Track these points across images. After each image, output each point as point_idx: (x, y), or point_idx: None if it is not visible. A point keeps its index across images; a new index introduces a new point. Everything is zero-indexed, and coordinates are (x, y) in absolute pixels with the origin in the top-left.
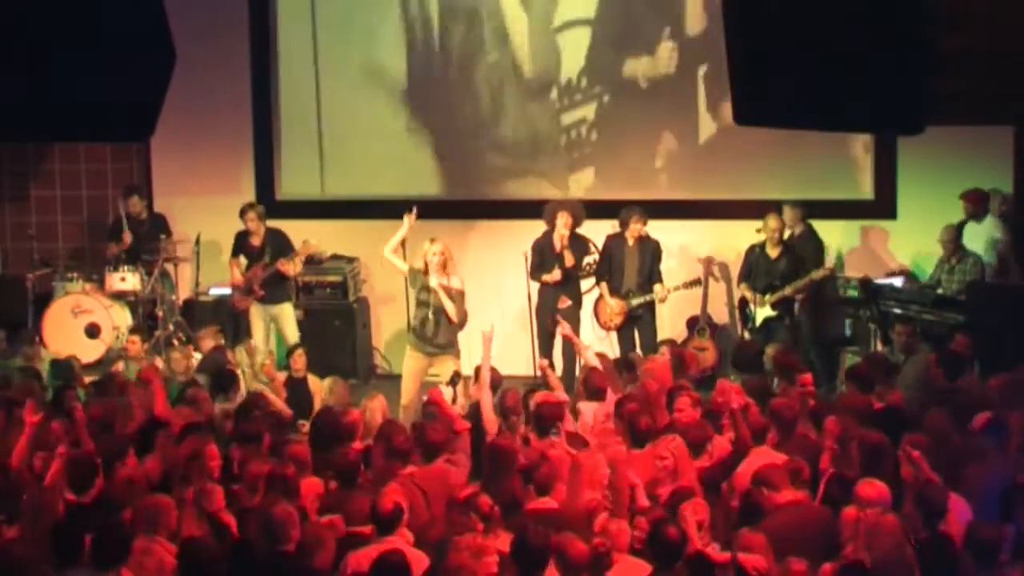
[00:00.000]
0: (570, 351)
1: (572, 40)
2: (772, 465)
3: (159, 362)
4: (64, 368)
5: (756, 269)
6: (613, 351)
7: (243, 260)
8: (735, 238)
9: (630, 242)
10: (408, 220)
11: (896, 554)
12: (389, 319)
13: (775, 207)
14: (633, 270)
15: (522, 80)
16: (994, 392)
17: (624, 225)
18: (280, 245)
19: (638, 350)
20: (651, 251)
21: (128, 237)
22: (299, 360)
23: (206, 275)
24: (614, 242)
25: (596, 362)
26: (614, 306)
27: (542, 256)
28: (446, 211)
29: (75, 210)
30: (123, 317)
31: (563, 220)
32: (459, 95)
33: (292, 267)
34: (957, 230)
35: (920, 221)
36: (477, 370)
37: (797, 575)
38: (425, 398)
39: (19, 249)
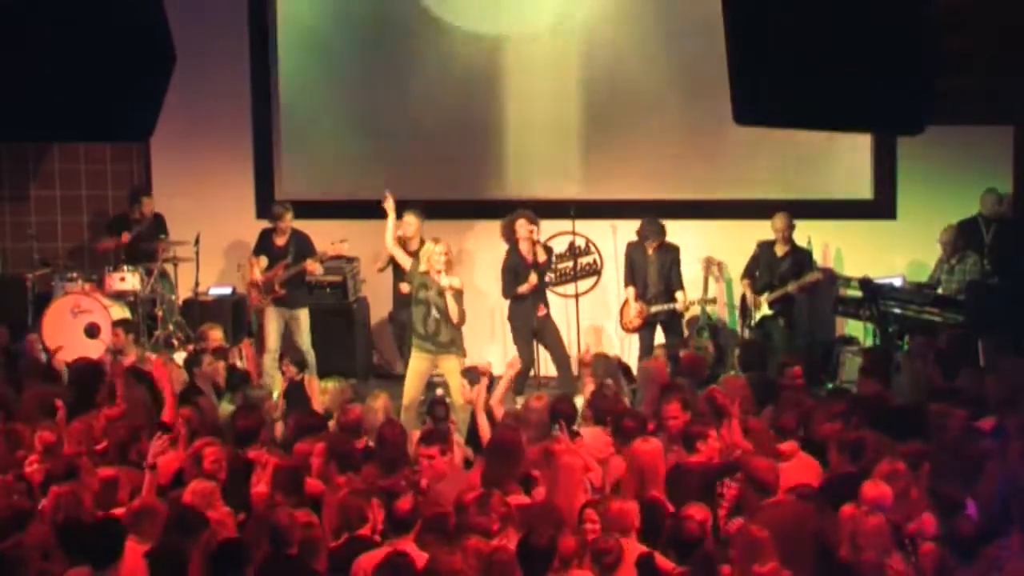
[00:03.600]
0: (560, 356)
1: (571, 40)
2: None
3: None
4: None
5: (761, 266)
6: (631, 353)
7: (263, 260)
8: (735, 238)
9: (649, 251)
10: (388, 207)
11: (882, 555)
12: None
13: (779, 207)
14: (655, 276)
15: (521, 81)
16: (990, 391)
17: (642, 240)
18: (304, 247)
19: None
20: (671, 258)
21: (127, 237)
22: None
23: (206, 275)
24: (634, 250)
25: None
26: (634, 310)
27: (515, 273)
28: (446, 211)
29: (75, 210)
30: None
31: (524, 227)
32: (458, 97)
33: (318, 268)
34: (957, 230)
35: (920, 221)
36: (470, 369)
37: None
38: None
39: (19, 249)
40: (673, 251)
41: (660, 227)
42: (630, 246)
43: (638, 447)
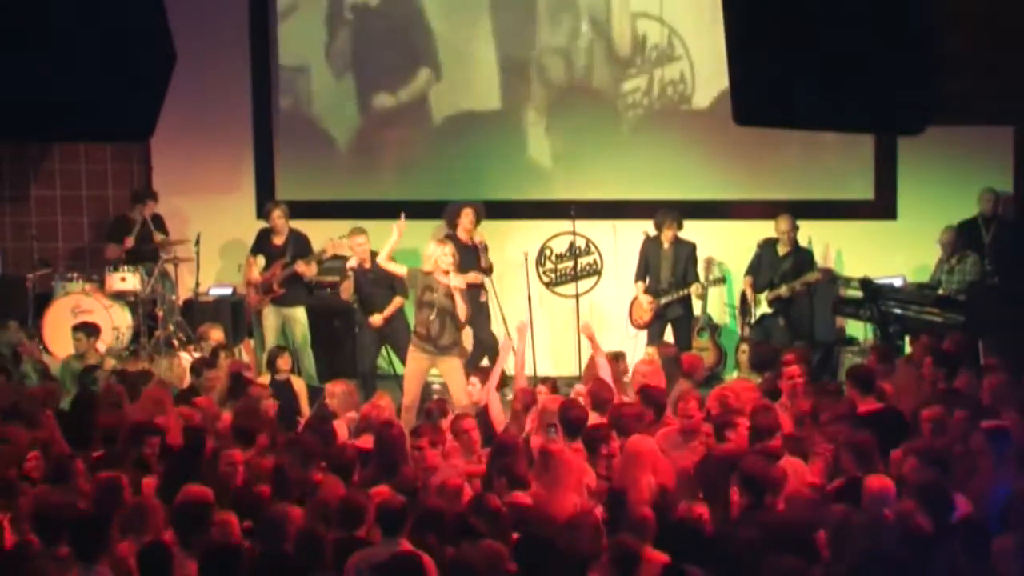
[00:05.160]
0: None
1: (571, 41)
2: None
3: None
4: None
5: (762, 264)
6: (638, 350)
7: (261, 260)
8: (735, 238)
9: (665, 245)
10: (399, 227)
11: (857, 552)
12: None
13: (782, 208)
14: (668, 271)
15: (522, 81)
16: (989, 392)
17: (659, 228)
18: (301, 247)
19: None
20: (686, 253)
21: (130, 242)
22: (284, 362)
23: (206, 275)
24: (650, 244)
25: (606, 370)
26: (644, 304)
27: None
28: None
29: (75, 210)
30: (123, 317)
31: (468, 217)
32: (459, 97)
33: (309, 269)
34: (957, 230)
35: (920, 221)
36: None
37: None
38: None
39: (19, 249)
40: (689, 246)
41: (676, 214)
42: (646, 241)
43: (635, 440)
